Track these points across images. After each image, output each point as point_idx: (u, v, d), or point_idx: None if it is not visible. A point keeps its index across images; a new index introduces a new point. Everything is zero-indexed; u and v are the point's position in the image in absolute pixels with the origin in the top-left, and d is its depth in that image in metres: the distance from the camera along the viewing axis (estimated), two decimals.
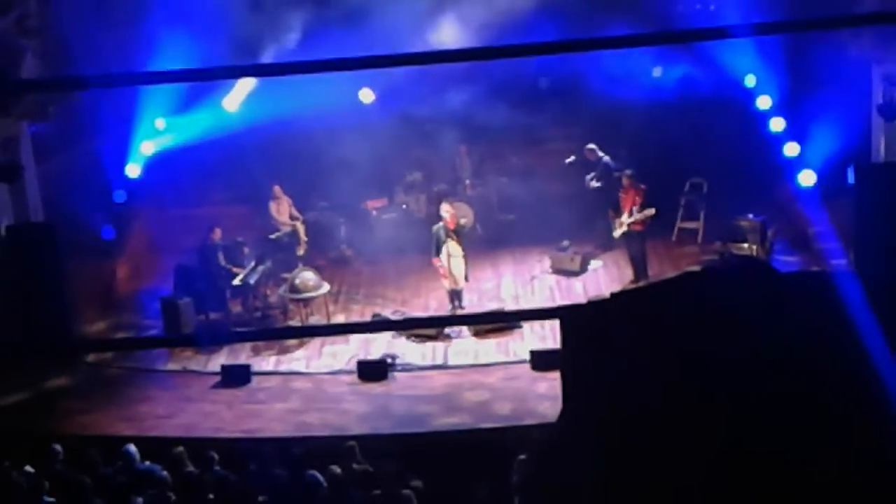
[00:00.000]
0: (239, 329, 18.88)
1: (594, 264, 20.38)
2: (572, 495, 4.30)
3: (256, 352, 18.14)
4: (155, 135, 21.02)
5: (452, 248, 18.40)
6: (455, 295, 18.68)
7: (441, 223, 18.55)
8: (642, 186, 19.03)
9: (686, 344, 4.16)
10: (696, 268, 18.20)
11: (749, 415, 4.02)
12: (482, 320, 18.19)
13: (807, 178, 18.76)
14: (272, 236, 20.71)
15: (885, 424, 4.02)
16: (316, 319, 18.77)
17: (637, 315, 4.34)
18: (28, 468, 13.29)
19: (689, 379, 4.11)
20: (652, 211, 18.77)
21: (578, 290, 19.45)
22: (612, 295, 4.71)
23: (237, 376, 17.24)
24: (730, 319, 4.17)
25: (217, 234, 19.47)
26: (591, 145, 20.97)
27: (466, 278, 18.77)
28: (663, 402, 4.10)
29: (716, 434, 4.03)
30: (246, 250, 19.92)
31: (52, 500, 12.73)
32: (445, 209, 18.75)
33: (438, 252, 18.46)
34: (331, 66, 5.01)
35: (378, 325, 17.93)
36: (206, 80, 18.15)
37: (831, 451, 4.00)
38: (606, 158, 20.81)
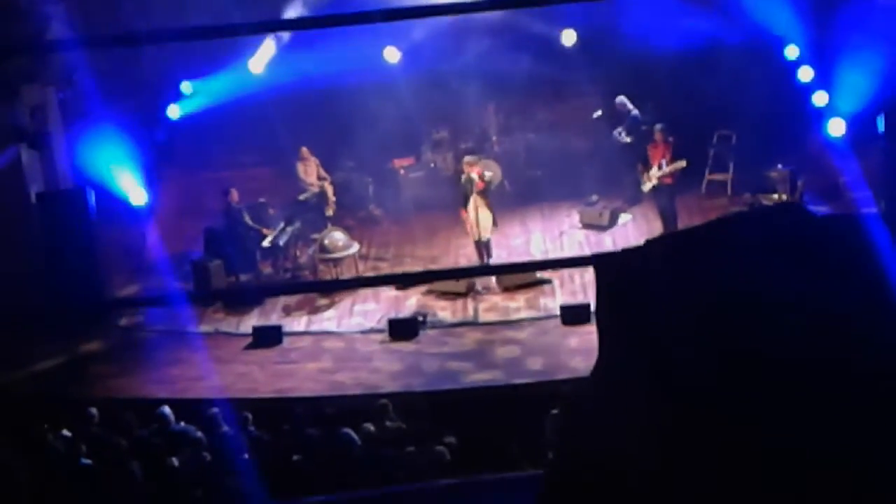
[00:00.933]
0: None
1: (623, 218, 20.32)
2: (609, 442, 4.29)
3: (287, 312, 18.20)
4: (181, 98, 21.02)
5: (479, 201, 18.33)
6: (483, 247, 18.59)
7: (469, 175, 18.48)
8: (671, 139, 18.93)
9: (721, 288, 4.14)
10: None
11: (785, 358, 4.00)
12: (518, 269, 18.12)
13: (836, 127, 18.58)
14: (301, 197, 20.72)
15: None
16: None
17: (672, 260, 4.32)
18: (64, 432, 13.41)
19: (724, 323, 4.09)
20: (683, 163, 18.63)
21: (608, 245, 19.39)
22: (647, 241, 4.67)
23: (269, 337, 17.31)
24: (765, 263, 4.14)
25: (234, 195, 19.48)
26: (621, 98, 20.83)
27: (495, 223, 18.66)
28: (699, 347, 4.09)
29: (751, 377, 4.01)
30: (271, 211, 19.94)
31: (88, 462, 12.83)
32: (469, 163, 18.66)
33: (466, 204, 18.41)
34: (351, 19, 4.97)
35: (409, 276, 17.97)
36: (225, 36, 18.00)
37: (863, 394, 3.98)
38: (635, 112, 20.68)
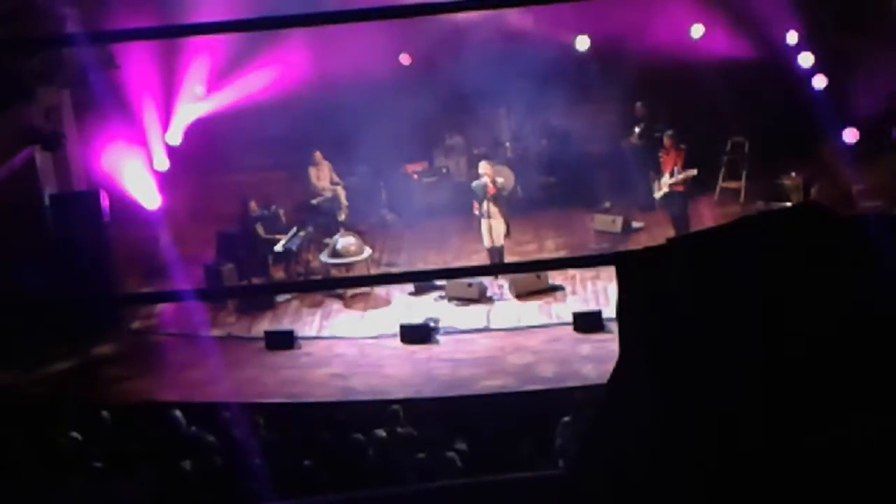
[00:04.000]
0: (283, 294, 18.94)
1: (635, 225, 20.31)
2: (632, 443, 4.28)
3: (299, 317, 18.22)
4: (195, 101, 21.05)
5: (491, 208, 18.33)
6: (496, 254, 18.59)
7: (481, 180, 18.48)
8: (683, 146, 18.90)
9: (745, 287, 4.12)
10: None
11: (812, 357, 3.99)
12: (534, 268, 18.11)
13: (850, 135, 18.55)
14: (313, 201, 20.75)
15: None
16: None
17: (694, 259, 4.30)
18: (76, 435, 13.43)
19: (748, 322, 4.08)
20: (693, 171, 18.63)
21: None
22: (669, 240, 4.65)
23: (281, 341, 17.31)
24: (789, 262, 4.13)
25: (253, 205, 19.50)
26: (640, 102, 20.85)
27: (508, 233, 18.67)
28: (722, 346, 4.07)
29: (777, 376, 4.00)
30: (283, 217, 19.92)
31: (100, 465, 12.85)
32: (483, 168, 18.66)
33: (479, 204, 18.41)
34: (358, 15, 4.92)
35: (420, 274, 17.99)
36: (238, 30, 17.99)
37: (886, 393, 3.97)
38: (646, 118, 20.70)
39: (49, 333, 16.67)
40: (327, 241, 19.55)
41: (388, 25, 19.60)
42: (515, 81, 20.90)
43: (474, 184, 18.56)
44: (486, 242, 18.50)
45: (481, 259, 18.95)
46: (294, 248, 19.27)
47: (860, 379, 4.04)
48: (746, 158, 20.87)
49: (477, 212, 18.43)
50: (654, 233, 19.81)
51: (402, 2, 4.94)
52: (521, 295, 18.12)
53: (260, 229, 19.36)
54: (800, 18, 19.64)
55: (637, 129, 20.69)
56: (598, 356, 15.62)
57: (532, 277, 18.17)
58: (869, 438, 3.93)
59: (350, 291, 18.69)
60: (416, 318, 17.59)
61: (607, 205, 20.74)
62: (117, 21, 17.97)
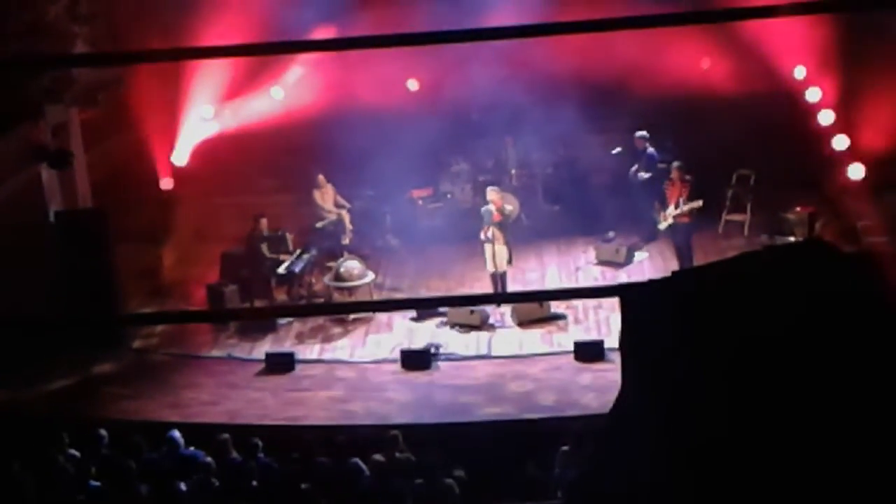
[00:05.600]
0: (284, 317, 18.93)
1: (639, 256, 20.31)
2: (632, 475, 4.28)
3: (301, 339, 18.21)
4: (202, 122, 21.10)
5: (495, 233, 18.36)
6: (499, 280, 18.59)
7: (488, 206, 18.52)
8: (689, 178, 18.92)
9: (747, 322, 4.12)
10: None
11: (814, 392, 3.99)
12: (538, 297, 18.13)
13: (856, 171, 18.56)
14: (318, 225, 20.76)
15: None
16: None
17: (698, 293, 4.31)
18: (74, 453, 13.43)
19: (750, 358, 4.08)
20: (699, 203, 18.64)
21: (623, 282, 19.35)
22: (673, 273, 4.66)
23: (281, 364, 17.31)
24: (791, 298, 4.13)
25: (263, 223, 19.50)
26: (643, 133, 20.82)
27: (510, 261, 18.69)
28: (723, 380, 4.08)
29: (778, 410, 4.00)
30: (290, 239, 19.92)
31: (97, 484, 12.84)
32: (491, 195, 18.69)
33: (485, 230, 18.43)
34: (368, 42, 4.95)
35: (422, 301, 18.01)
36: (245, 55, 18.04)
37: (885, 432, 3.97)
38: (651, 150, 20.70)
39: (50, 351, 16.67)
40: (331, 264, 19.56)
41: (397, 51, 19.64)
42: (522, 109, 20.94)
43: (483, 209, 18.61)
44: (490, 268, 18.51)
45: (484, 286, 18.93)
46: (297, 270, 19.27)
47: (858, 416, 4.04)
48: (751, 191, 20.88)
49: (483, 237, 18.47)
50: (658, 263, 19.83)
51: (412, 29, 4.98)
52: (523, 323, 18.10)
53: (265, 249, 19.37)
54: (808, 53, 19.67)
55: (637, 164, 20.69)
56: (599, 386, 15.60)
57: (534, 305, 18.16)
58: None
59: (352, 315, 18.68)
60: (418, 344, 17.59)
61: (611, 234, 20.76)
62: (125, 42, 18.05)
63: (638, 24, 5.80)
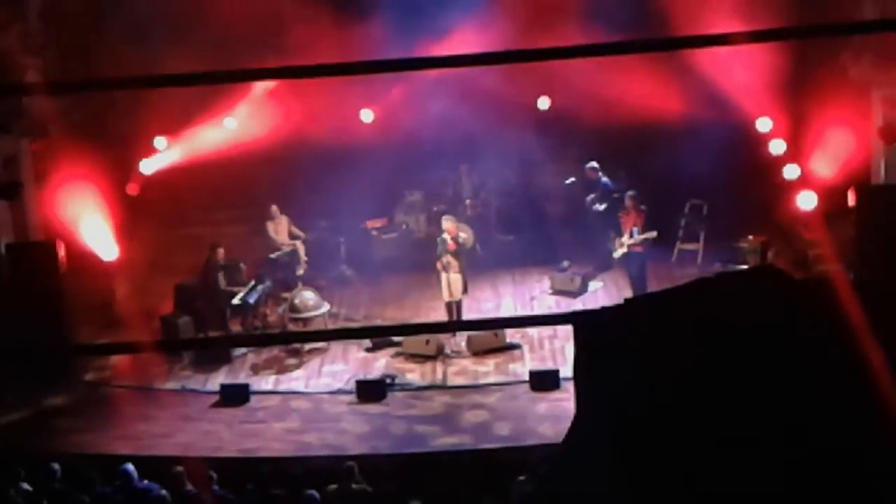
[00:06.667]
0: (239, 348, 18.82)
1: (594, 285, 20.37)
2: (586, 500, 4.27)
3: (255, 371, 18.12)
4: (155, 153, 20.98)
5: (451, 261, 18.37)
6: (454, 309, 18.60)
7: (443, 236, 18.54)
8: (644, 208, 19.02)
9: (701, 349, 4.14)
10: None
11: (767, 418, 4.01)
12: (493, 325, 18.12)
13: (807, 199, 18.70)
14: (272, 255, 20.68)
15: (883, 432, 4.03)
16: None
17: (651, 320, 4.32)
18: (27, 487, 13.26)
19: (704, 384, 4.09)
20: (654, 234, 18.76)
21: None
22: (627, 300, 4.68)
23: (236, 395, 17.22)
24: (745, 324, 4.15)
25: (220, 253, 19.42)
26: (593, 163, 20.95)
27: (465, 290, 18.70)
28: (678, 407, 4.09)
29: (732, 438, 4.01)
30: (244, 270, 19.83)
31: None
32: (446, 224, 18.72)
33: (440, 258, 18.44)
34: (330, 69, 4.97)
35: (376, 330, 17.96)
36: (201, 83, 18.00)
37: (842, 456, 3.99)
38: (605, 179, 20.82)
39: (1, 384, 16.50)
40: (286, 295, 19.49)
41: (351, 81, 19.66)
42: (476, 138, 21.01)
43: (438, 239, 18.63)
44: (446, 296, 18.52)
45: (439, 315, 18.93)
46: (252, 301, 19.18)
47: (811, 441, 4.06)
48: (704, 221, 21.03)
49: (439, 266, 18.47)
50: (612, 292, 19.89)
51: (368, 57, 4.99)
52: (478, 352, 18.10)
53: (222, 279, 19.28)
54: (758, 83, 19.82)
55: (593, 194, 20.79)
56: (555, 415, 15.62)
57: (489, 335, 18.19)
58: None
59: (307, 346, 18.61)
60: (373, 374, 17.54)
61: (566, 263, 20.82)
62: (77, 72, 17.97)
63: (591, 52, 5.85)
